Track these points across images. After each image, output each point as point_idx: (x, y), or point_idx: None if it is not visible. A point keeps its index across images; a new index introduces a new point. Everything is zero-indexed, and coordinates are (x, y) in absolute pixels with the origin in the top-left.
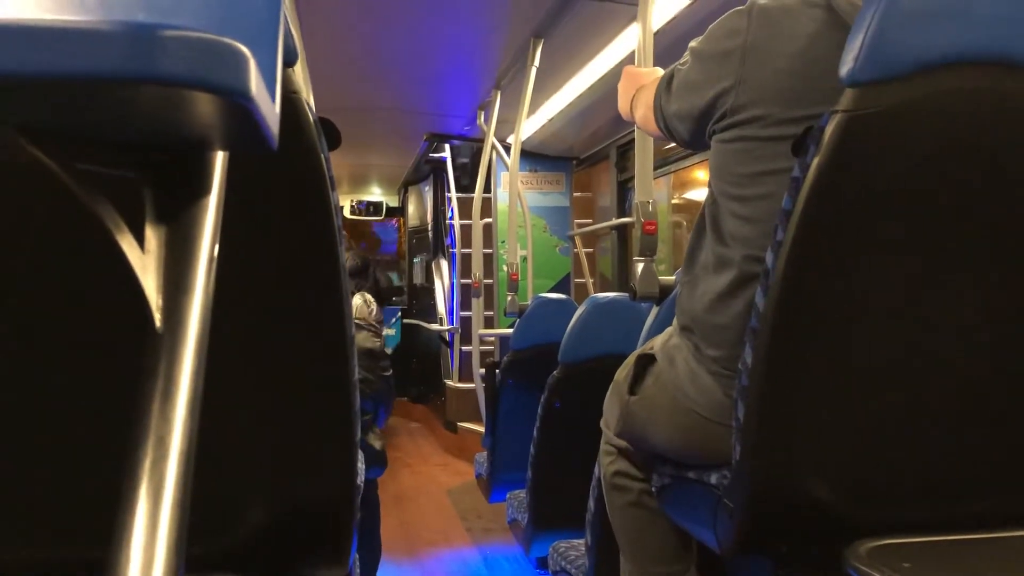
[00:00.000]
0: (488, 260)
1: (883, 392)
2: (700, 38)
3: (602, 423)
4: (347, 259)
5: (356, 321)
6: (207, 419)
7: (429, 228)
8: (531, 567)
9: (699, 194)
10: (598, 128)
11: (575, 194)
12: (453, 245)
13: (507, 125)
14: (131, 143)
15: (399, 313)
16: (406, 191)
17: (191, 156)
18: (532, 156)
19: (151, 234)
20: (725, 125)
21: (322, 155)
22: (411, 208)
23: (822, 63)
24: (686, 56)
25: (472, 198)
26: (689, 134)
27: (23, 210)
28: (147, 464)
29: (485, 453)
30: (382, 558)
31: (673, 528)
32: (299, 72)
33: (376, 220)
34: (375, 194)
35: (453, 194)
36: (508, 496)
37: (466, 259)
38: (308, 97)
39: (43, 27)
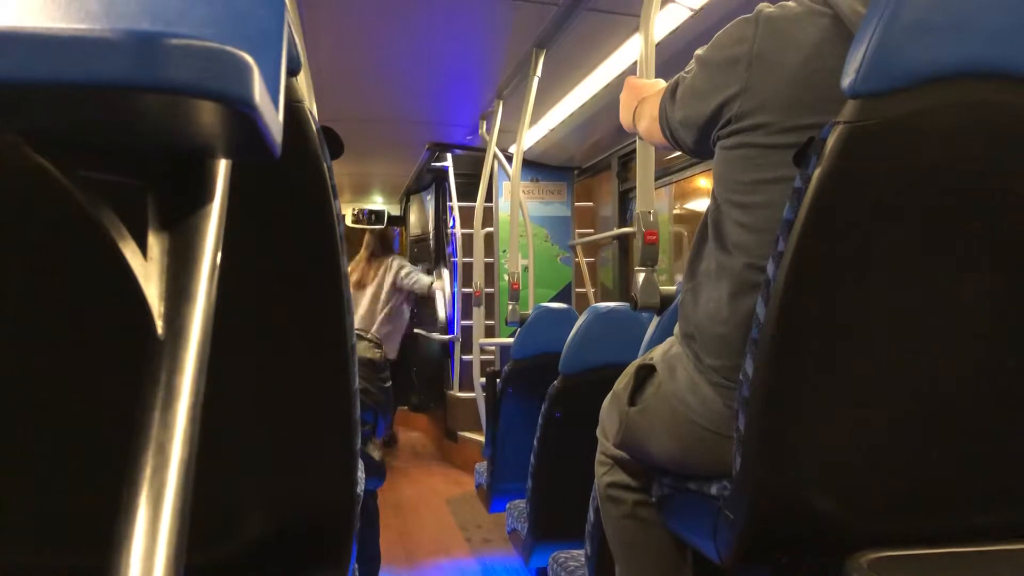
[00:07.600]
0: (489, 269)
1: (884, 404)
2: (706, 46)
3: (598, 432)
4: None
5: (357, 331)
6: (208, 427)
7: (431, 237)
8: None
9: (700, 204)
10: (600, 138)
11: (576, 204)
12: (455, 254)
13: (509, 135)
14: (134, 150)
15: None
16: (408, 200)
17: (194, 164)
18: (534, 166)
19: (154, 241)
20: (729, 131)
21: (324, 164)
22: (413, 217)
23: (827, 73)
24: (691, 64)
25: (474, 207)
26: (694, 142)
27: (25, 216)
28: (147, 471)
29: (485, 463)
30: (381, 568)
31: (669, 540)
32: (302, 81)
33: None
34: (377, 203)
35: (455, 203)
36: (508, 506)
37: (467, 268)
38: (311, 106)
39: (48, 35)
